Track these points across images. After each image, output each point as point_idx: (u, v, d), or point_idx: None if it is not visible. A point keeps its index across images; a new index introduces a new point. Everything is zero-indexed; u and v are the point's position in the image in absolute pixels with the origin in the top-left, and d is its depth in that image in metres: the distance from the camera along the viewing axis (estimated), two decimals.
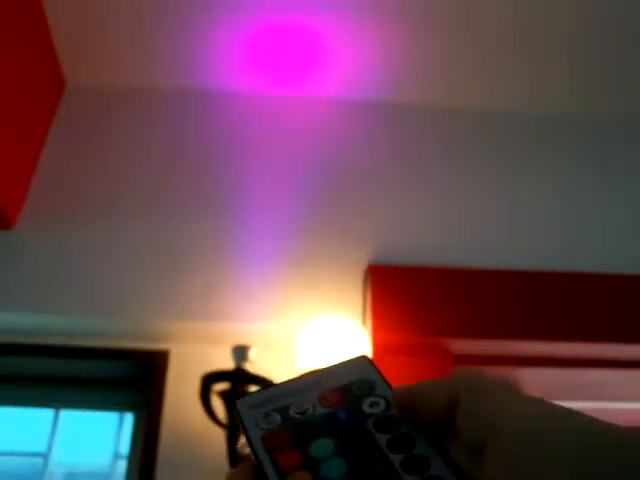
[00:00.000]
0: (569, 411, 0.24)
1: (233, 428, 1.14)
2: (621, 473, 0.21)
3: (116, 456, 1.41)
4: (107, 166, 1.51)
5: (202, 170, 1.51)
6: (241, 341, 1.22)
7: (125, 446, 1.36)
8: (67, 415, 1.44)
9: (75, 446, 1.45)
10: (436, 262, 1.38)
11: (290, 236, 1.41)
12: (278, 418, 0.29)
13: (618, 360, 1.34)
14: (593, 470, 0.21)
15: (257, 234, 1.41)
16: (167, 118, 1.60)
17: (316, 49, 1.58)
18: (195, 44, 1.57)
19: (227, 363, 1.18)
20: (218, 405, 1.16)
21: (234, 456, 1.12)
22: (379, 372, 0.32)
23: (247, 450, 0.28)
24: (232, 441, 1.13)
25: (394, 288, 1.32)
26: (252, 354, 1.18)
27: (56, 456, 1.40)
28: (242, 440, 1.14)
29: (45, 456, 1.39)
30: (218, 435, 1.17)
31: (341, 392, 0.30)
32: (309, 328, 1.17)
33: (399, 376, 1.19)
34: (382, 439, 0.27)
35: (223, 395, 1.15)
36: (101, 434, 1.46)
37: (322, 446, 0.27)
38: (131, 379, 1.40)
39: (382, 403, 0.29)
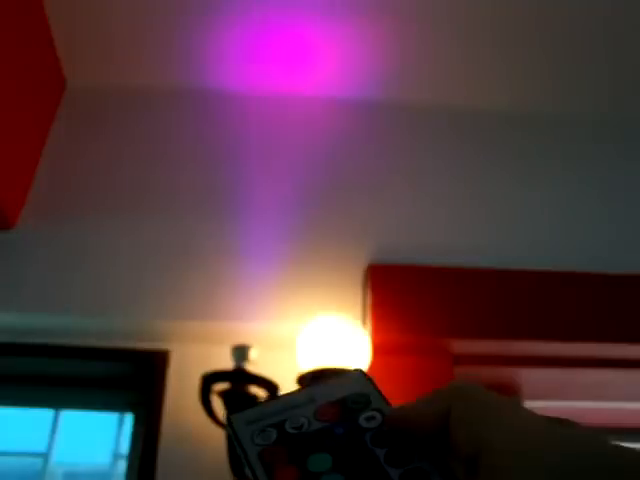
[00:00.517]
0: (567, 429, 0.24)
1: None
2: None
3: (116, 456, 1.41)
4: (107, 166, 1.51)
5: (202, 170, 1.51)
6: (241, 341, 1.22)
7: (125, 446, 1.36)
8: (67, 415, 1.44)
9: (75, 446, 1.45)
10: (436, 262, 1.38)
11: (290, 236, 1.41)
12: (274, 434, 0.29)
13: (618, 360, 1.34)
14: None
15: (257, 234, 1.41)
16: (167, 118, 1.60)
17: (315, 49, 1.58)
18: (195, 44, 1.57)
19: (227, 363, 1.18)
20: (218, 405, 1.16)
21: (234, 456, 1.12)
22: (375, 386, 0.31)
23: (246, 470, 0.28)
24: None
25: (394, 288, 1.32)
26: (252, 354, 1.18)
27: (56, 456, 1.40)
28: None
29: (45, 456, 1.39)
30: (218, 435, 1.17)
31: (337, 406, 0.30)
32: (309, 328, 1.17)
33: (399, 376, 1.19)
34: (380, 453, 0.27)
35: (223, 395, 1.15)
36: (101, 434, 1.46)
37: (320, 461, 0.27)
38: (131, 379, 1.40)
39: (378, 417, 0.29)
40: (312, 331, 1.15)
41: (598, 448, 0.22)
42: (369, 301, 1.30)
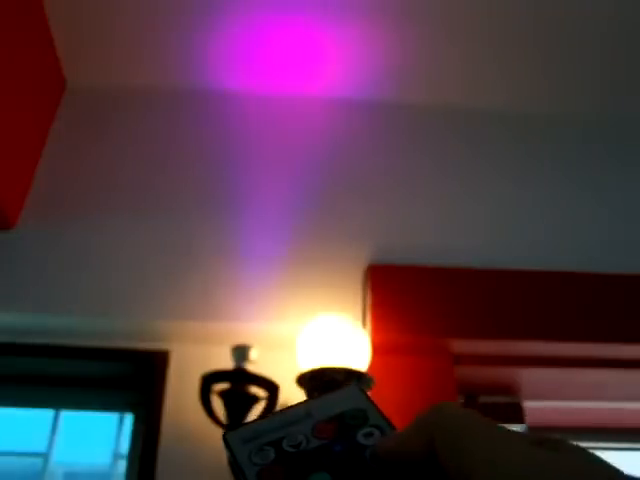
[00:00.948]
0: (552, 452, 0.24)
1: (233, 428, 1.13)
2: None
3: (116, 456, 1.41)
4: (107, 166, 1.51)
5: (202, 170, 1.51)
6: (241, 341, 1.22)
7: (125, 446, 1.36)
8: (67, 415, 1.44)
9: (75, 446, 1.46)
10: (436, 262, 1.38)
11: (290, 236, 1.41)
12: (272, 453, 0.28)
13: (618, 360, 1.34)
14: None
15: (257, 234, 1.41)
16: (167, 118, 1.60)
17: (315, 49, 1.58)
18: (195, 44, 1.57)
19: (227, 363, 1.18)
20: (218, 405, 1.16)
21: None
22: (371, 401, 0.31)
23: None
24: None
25: (394, 288, 1.32)
26: (252, 354, 1.18)
27: (56, 456, 1.40)
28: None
29: (45, 456, 1.39)
30: (218, 435, 1.16)
31: (334, 423, 0.30)
32: (309, 328, 1.16)
33: (399, 376, 1.19)
34: (379, 470, 0.27)
35: (223, 395, 1.15)
36: (101, 434, 1.46)
37: None
38: (131, 379, 1.40)
39: (377, 433, 0.29)
40: (312, 331, 1.15)
41: (580, 473, 0.22)
42: (369, 301, 1.30)
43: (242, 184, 1.49)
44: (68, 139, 1.55)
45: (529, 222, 1.50)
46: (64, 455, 1.42)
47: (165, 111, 1.62)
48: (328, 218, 1.46)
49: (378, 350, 1.21)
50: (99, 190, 1.46)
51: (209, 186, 1.48)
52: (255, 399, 1.15)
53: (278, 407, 1.18)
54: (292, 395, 1.19)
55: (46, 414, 1.44)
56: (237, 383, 1.15)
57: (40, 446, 1.40)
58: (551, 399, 1.45)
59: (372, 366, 1.17)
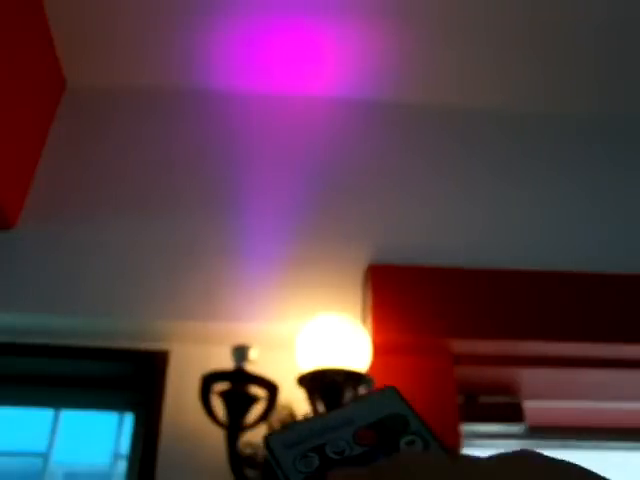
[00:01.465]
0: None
1: (233, 428, 1.14)
2: None
3: (116, 456, 1.41)
4: (108, 166, 1.51)
5: (202, 170, 1.51)
6: (241, 341, 1.22)
7: (125, 446, 1.36)
8: (67, 415, 1.44)
9: (75, 446, 1.45)
10: (436, 262, 1.38)
11: (290, 236, 1.41)
12: (317, 460, 0.28)
13: (618, 360, 1.34)
14: None
15: (257, 234, 1.41)
16: (167, 118, 1.60)
17: (315, 50, 1.58)
18: (195, 44, 1.57)
19: (227, 363, 1.18)
20: (218, 405, 1.16)
21: (234, 456, 1.12)
22: (409, 404, 0.31)
23: None
24: (232, 441, 1.13)
25: (394, 288, 1.32)
26: (252, 354, 1.18)
27: (56, 456, 1.40)
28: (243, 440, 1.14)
29: (45, 456, 1.39)
30: (218, 435, 1.17)
31: (375, 429, 0.29)
32: (309, 328, 1.17)
33: (399, 376, 1.20)
34: None
35: (223, 395, 1.15)
36: (101, 434, 1.46)
37: None
38: (131, 379, 1.40)
39: (419, 442, 0.28)
40: (312, 331, 1.15)
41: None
42: (369, 301, 1.30)
43: (242, 184, 1.49)
44: (68, 139, 1.55)
45: (529, 222, 1.50)
46: (64, 455, 1.42)
47: (165, 111, 1.62)
48: (328, 218, 1.46)
49: (378, 350, 1.21)
50: (99, 190, 1.46)
51: (209, 186, 1.49)
52: (255, 399, 1.15)
53: (278, 407, 1.18)
54: (292, 395, 1.19)
55: (46, 414, 1.44)
56: (237, 383, 1.15)
57: (40, 446, 1.40)
58: (551, 399, 1.45)
59: (372, 366, 1.17)
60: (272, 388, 1.16)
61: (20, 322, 1.30)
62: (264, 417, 1.16)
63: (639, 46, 1.57)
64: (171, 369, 1.30)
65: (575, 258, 1.43)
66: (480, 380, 1.36)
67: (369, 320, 1.27)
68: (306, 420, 0.31)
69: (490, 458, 0.24)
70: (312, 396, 1.11)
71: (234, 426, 1.13)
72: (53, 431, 1.41)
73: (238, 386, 1.15)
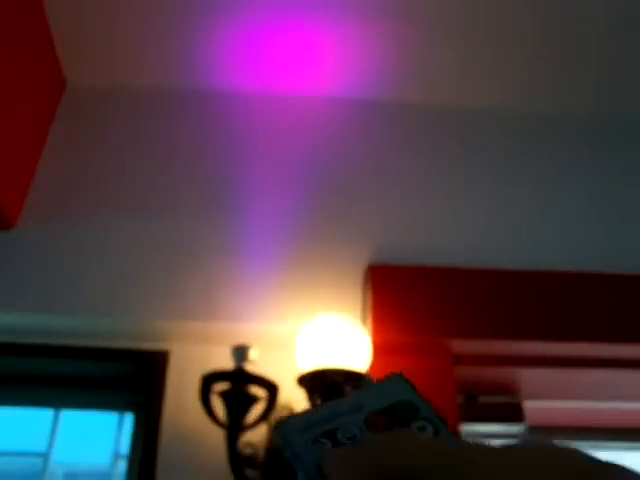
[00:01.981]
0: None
1: (233, 428, 1.14)
2: None
3: (116, 456, 1.41)
4: (108, 166, 1.51)
5: (202, 170, 1.51)
6: (241, 341, 1.22)
7: (125, 446, 1.36)
8: (67, 415, 1.44)
9: (75, 446, 1.46)
10: (436, 262, 1.38)
11: (290, 236, 1.41)
12: (329, 444, 0.28)
13: (618, 360, 1.34)
14: None
15: (257, 234, 1.41)
16: (167, 118, 1.60)
17: (316, 49, 1.58)
18: (195, 44, 1.57)
19: (227, 363, 1.18)
20: (218, 405, 1.16)
21: (234, 456, 1.12)
22: (416, 391, 0.31)
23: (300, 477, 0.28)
24: (232, 441, 1.13)
25: (394, 288, 1.32)
26: (252, 354, 1.18)
27: (56, 456, 1.40)
28: (243, 440, 1.14)
29: (45, 456, 1.40)
30: (218, 435, 1.17)
31: (386, 415, 0.30)
32: (309, 328, 1.17)
33: None
34: None
35: (223, 395, 1.15)
36: (101, 434, 1.46)
37: None
38: (131, 379, 1.40)
39: (430, 428, 0.28)
40: (312, 331, 1.15)
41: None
42: (369, 301, 1.30)
43: (242, 184, 1.49)
44: (68, 139, 1.55)
45: (528, 222, 1.50)
46: (64, 455, 1.42)
47: (165, 111, 1.62)
48: (328, 218, 1.46)
49: (378, 350, 1.21)
50: (99, 190, 1.46)
51: (209, 186, 1.49)
52: (255, 399, 1.16)
53: (278, 407, 1.18)
54: (292, 395, 1.19)
55: (46, 414, 1.44)
56: (237, 383, 1.15)
57: (40, 446, 1.40)
58: (551, 399, 1.45)
59: (372, 366, 1.17)
60: (272, 388, 1.16)
61: (20, 322, 1.30)
62: (264, 417, 1.16)
63: (639, 46, 1.57)
64: (171, 369, 1.30)
65: (574, 258, 1.43)
66: (480, 380, 1.36)
67: (369, 320, 1.27)
68: (316, 407, 0.31)
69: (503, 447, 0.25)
70: (312, 396, 1.11)
71: (234, 426, 1.13)
72: (53, 431, 1.41)
73: (238, 386, 1.15)
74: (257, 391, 1.16)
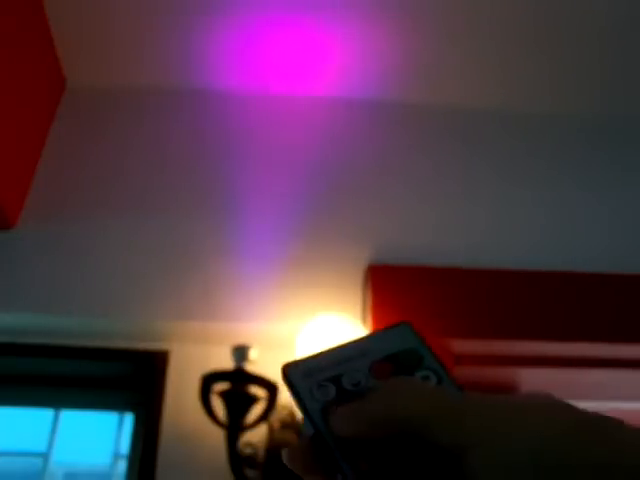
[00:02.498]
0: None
1: (233, 428, 1.14)
2: None
3: (116, 456, 1.41)
4: (107, 166, 1.51)
5: (202, 170, 1.51)
6: (241, 341, 1.22)
7: (125, 446, 1.36)
8: (67, 415, 1.44)
9: (75, 446, 1.46)
10: (436, 262, 1.38)
11: (290, 236, 1.41)
12: (333, 389, 0.29)
13: (618, 360, 1.34)
14: None
15: (257, 234, 1.41)
16: (167, 118, 1.60)
17: (315, 49, 1.58)
18: (195, 44, 1.57)
19: (227, 363, 1.18)
20: (218, 405, 1.16)
21: (234, 456, 1.12)
22: (423, 340, 0.31)
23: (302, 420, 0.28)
24: (232, 441, 1.13)
25: (394, 288, 1.32)
26: (252, 354, 1.18)
27: (56, 456, 1.40)
28: (244, 439, 1.14)
29: (45, 456, 1.40)
30: (218, 435, 1.17)
31: (391, 363, 0.30)
32: (309, 328, 1.17)
33: None
34: None
35: (223, 395, 1.15)
36: (101, 434, 1.46)
37: None
38: (131, 379, 1.40)
39: (433, 377, 0.29)
40: (312, 331, 1.15)
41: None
42: (369, 301, 1.30)
43: (242, 184, 1.49)
44: (68, 139, 1.55)
45: (529, 222, 1.50)
46: (64, 455, 1.43)
47: (165, 111, 1.61)
48: (328, 218, 1.46)
49: None
50: (99, 190, 1.46)
51: (209, 186, 1.48)
52: (255, 399, 1.16)
53: (278, 407, 1.18)
54: None
55: (46, 414, 1.44)
56: (237, 383, 1.15)
57: (40, 446, 1.40)
58: None
59: None
60: (272, 388, 1.16)
61: (20, 322, 1.29)
62: (264, 417, 1.16)
63: None
64: (171, 369, 1.30)
65: (575, 258, 1.43)
66: (480, 380, 1.36)
67: (369, 320, 1.27)
68: (322, 350, 0.31)
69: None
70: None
71: (234, 426, 1.13)
72: (53, 431, 1.42)
73: (238, 386, 1.15)
74: (257, 391, 1.16)
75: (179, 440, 1.22)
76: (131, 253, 1.36)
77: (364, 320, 1.29)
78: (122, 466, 1.35)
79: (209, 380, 1.16)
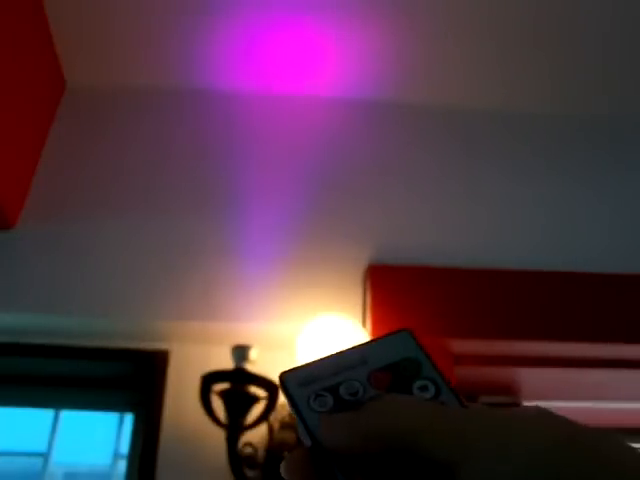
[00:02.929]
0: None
1: (233, 428, 1.14)
2: None
3: (116, 456, 1.41)
4: (107, 166, 1.51)
5: (202, 170, 1.51)
6: (241, 341, 1.22)
7: (125, 446, 1.36)
8: (67, 415, 1.44)
9: (75, 446, 1.46)
10: (436, 262, 1.38)
11: (290, 236, 1.41)
12: (331, 400, 0.28)
13: (618, 360, 1.34)
14: None
15: (257, 234, 1.41)
16: (167, 118, 1.60)
17: (316, 49, 1.58)
18: (195, 44, 1.57)
19: (227, 363, 1.18)
20: (218, 405, 1.16)
21: (234, 456, 1.12)
22: (423, 349, 0.31)
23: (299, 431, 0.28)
24: (232, 441, 1.13)
25: (394, 288, 1.32)
26: (252, 354, 1.18)
27: (56, 456, 1.40)
28: (244, 440, 1.14)
29: (45, 456, 1.40)
30: (218, 435, 1.17)
31: (389, 372, 0.29)
32: (309, 328, 1.16)
33: None
34: None
35: (223, 395, 1.15)
36: (101, 434, 1.46)
37: None
38: (131, 379, 1.40)
39: (432, 388, 0.28)
40: (312, 331, 1.15)
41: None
42: (369, 301, 1.30)
43: (242, 184, 1.49)
44: (68, 139, 1.55)
45: (529, 222, 1.50)
46: (64, 455, 1.43)
47: (165, 111, 1.61)
48: (328, 218, 1.46)
49: None
50: (99, 190, 1.46)
51: (209, 186, 1.48)
52: (255, 399, 1.15)
53: (278, 407, 1.18)
54: None
55: (46, 414, 1.44)
56: (237, 383, 1.15)
57: (40, 446, 1.40)
58: (551, 399, 1.45)
59: None
60: (272, 388, 1.16)
61: (20, 322, 1.29)
62: (264, 417, 1.16)
63: None
64: (171, 369, 1.30)
65: (575, 258, 1.43)
66: (480, 380, 1.36)
67: (369, 320, 1.27)
68: (320, 358, 0.31)
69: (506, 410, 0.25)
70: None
71: (234, 426, 1.13)
72: (53, 431, 1.42)
73: (238, 386, 1.15)
74: (257, 391, 1.16)
75: (179, 440, 1.22)
76: (131, 253, 1.36)
77: (364, 320, 1.29)
78: (122, 466, 1.35)
79: (209, 380, 1.16)
